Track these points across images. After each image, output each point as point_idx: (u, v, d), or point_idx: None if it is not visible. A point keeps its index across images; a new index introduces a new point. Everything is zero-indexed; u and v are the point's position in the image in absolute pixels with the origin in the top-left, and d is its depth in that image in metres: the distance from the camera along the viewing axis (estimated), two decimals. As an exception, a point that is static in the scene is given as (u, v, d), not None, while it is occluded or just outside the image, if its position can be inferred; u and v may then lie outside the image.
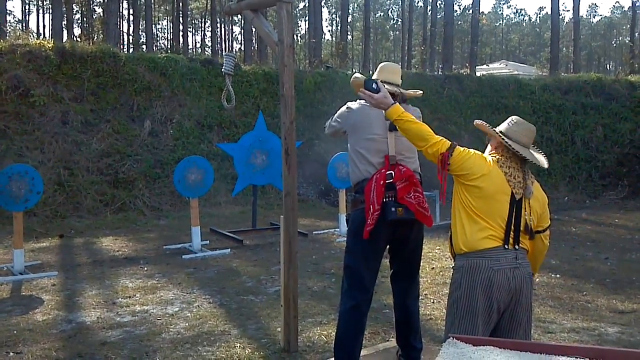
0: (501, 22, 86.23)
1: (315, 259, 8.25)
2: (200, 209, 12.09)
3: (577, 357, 2.16)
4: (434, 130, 3.31)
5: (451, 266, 7.70)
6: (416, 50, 49.03)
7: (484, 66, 35.75)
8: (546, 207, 3.31)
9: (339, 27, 42.15)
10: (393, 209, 3.67)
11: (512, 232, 3.13)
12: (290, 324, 4.80)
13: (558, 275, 7.43)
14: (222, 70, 5.59)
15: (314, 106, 15.49)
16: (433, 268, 7.77)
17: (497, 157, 3.23)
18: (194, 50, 57.37)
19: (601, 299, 6.42)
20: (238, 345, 4.97)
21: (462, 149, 3.21)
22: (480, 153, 3.26)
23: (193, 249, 8.69)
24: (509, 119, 3.38)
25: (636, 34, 38.47)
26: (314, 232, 10.11)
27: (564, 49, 63.09)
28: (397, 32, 70.49)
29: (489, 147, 3.38)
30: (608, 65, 76.06)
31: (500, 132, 3.27)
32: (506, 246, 3.11)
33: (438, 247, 9.07)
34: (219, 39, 50.84)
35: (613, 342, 5.11)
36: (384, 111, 3.36)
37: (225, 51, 45.93)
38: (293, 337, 4.82)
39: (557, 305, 6.20)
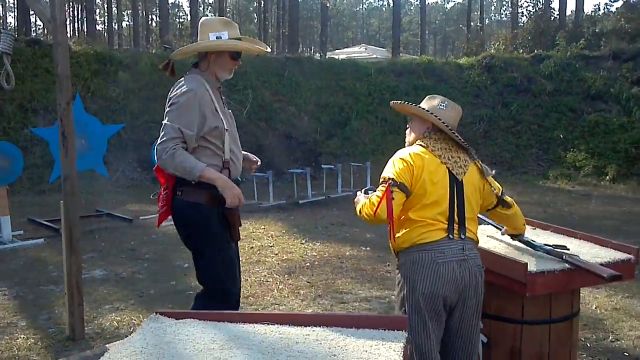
0: (362, 6, 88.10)
1: (133, 245, 8.08)
2: (22, 198, 11.49)
3: (269, 324, 2.26)
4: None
5: (270, 244, 7.86)
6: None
7: (345, 49, 36.46)
8: (484, 185, 3.05)
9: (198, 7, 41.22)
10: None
11: (455, 222, 2.90)
12: (75, 312, 4.66)
13: (368, 248, 7.77)
14: None
15: (149, 88, 15.09)
16: (252, 247, 7.85)
17: (424, 142, 3.00)
18: (36, 31, 53.88)
19: (401, 269, 6.80)
20: (22, 336, 4.76)
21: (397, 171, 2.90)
22: (403, 157, 2.94)
23: (3, 240, 8.20)
24: (438, 100, 3.10)
25: (485, 21, 40.69)
26: (141, 217, 9.87)
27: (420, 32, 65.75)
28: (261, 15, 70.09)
29: (412, 134, 3.16)
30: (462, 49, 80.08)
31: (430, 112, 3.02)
32: (451, 236, 2.86)
33: (263, 227, 9.18)
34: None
35: (399, 308, 5.43)
36: None
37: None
38: (79, 325, 4.68)
39: (358, 277, 6.49)
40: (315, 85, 17.59)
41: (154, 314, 2.36)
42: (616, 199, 12.44)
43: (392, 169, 2.89)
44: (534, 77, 17.47)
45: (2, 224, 8.25)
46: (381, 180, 2.90)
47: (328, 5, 25.75)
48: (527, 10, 27.55)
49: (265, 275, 6.50)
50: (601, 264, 3.23)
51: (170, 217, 3.43)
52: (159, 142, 3.22)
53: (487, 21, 70.14)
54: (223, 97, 3.53)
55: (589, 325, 5.11)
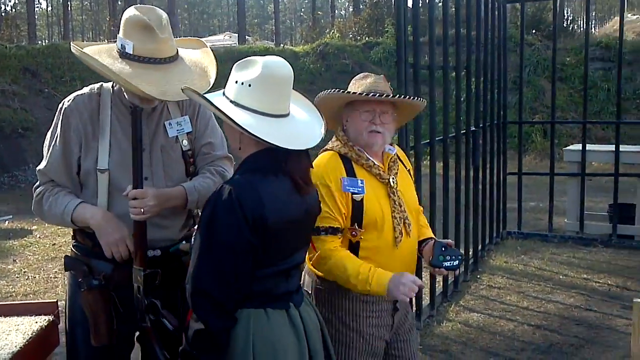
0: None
1: None
2: None
3: None
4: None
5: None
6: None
7: (210, 37, 35.89)
8: None
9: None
10: None
11: None
12: None
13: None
14: None
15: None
16: (54, 244, 7.68)
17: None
18: None
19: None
20: None
21: None
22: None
23: None
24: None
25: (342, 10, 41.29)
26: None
27: (288, 21, 66.26)
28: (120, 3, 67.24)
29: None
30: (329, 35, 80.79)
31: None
32: None
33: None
34: None
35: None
36: None
37: None
38: None
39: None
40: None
41: None
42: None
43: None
44: (365, 63, 18.16)
45: None
46: None
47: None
48: (364, -2, 28.56)
49: (55, 272, 6.38)
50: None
51: None
52: None
53: (349, 9, 71.67)
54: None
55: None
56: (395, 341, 2.53)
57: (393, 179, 2.44)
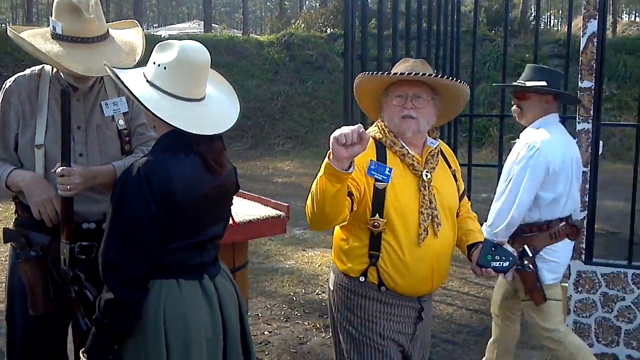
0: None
1: None
2: None
3: None
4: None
5: None
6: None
7: (178, 25, 35.55)
8: None
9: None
10: None
11: None
12: None
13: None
14: None
15: None
16: None
17: None
18: None
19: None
20: None
21: None
22: None
23: None
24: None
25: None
26: None
27: (258, 11, 66.06)
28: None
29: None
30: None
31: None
32: None
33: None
34: None
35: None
36: None
37: None
38: None
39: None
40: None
41: None
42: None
43: None
44: (329, 54, 18.30)
45: None
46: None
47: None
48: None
49: (7, 256, 6.35)
50: (258, 219, 3.61)
51: None
52: None
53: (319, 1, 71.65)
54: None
55: (305, 280, 5.61)
56: (412, 356, 2.43)
57: (427, 172, 2.29)
